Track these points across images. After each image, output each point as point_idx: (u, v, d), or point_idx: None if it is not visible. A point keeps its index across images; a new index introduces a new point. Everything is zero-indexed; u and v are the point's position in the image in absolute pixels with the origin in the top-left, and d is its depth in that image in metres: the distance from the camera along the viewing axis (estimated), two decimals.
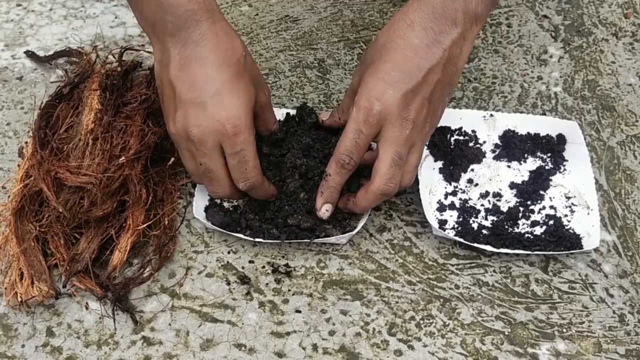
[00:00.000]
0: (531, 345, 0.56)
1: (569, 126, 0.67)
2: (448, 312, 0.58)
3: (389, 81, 0.54)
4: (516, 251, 0.59)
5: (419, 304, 0.58)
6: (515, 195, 0.65)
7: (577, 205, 0.63)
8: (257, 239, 0.60)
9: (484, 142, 0.68)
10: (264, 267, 0.60)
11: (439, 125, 0.68)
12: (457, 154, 0.67)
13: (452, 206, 0.64)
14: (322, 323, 0.57)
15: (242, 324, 0.57)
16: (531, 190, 0.65)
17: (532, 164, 0.67)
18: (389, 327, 0.57)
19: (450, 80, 0.56)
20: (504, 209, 0.64)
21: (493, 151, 0.68)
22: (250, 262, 0.61)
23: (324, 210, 0.58)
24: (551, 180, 0.65)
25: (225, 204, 0.62)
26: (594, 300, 0.59)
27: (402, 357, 0.55)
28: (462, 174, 0.66)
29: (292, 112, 0.68)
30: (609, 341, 0.56)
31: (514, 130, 0.69)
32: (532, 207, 0.64)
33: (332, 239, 0.60)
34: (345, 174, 0.57)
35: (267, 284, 0.59)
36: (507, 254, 0.61)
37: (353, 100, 0.57)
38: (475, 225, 0.62)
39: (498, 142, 0.68)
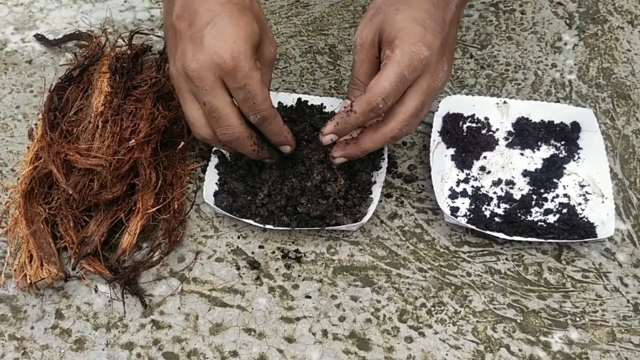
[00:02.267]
0: (543, 334, 0.55)
1: (583, 114, 0.66)
2: (459, 300, 0.57)
3: (429, 29, 0.53)
4: (529, 239, 0.59)
5: (430, 291, 0.58)
6: (528, 183, 0.64)
7: (591, 194, 0.62)
8: (267, 226, 0.59)
9: (497, 129, 0.67)
10: (273, 252, 0.60)
11: (451, 112, 0.67)
12: (469, 141, 0.66)
13: (464, 193, 0.63)
14: (332, 309, 0.57)
15: (252, 308, 0.56)
16: (545, 178, 0.64)
17: (545, 151, 0.66)
18: (399, 314, 0.56)
19: (456, 37, 0.56)
20: (517, 196, 0.63)
21: (506, 139, 0.67)
22: (260, 247, 0.60)
23: (328, 138, 0.56)
24: (565, 168, 0.65)
25: (236, 186, 0.62)
26: (608, 289, 0.58)
27: (413, 343, 0.55)
28: (475, 162, 0.65)
29: (304, 97, 0.67)
30: (622, 330, 0.56)
31: (528, 118, 0.68)
32: (545, 195, 0.63)
33: (342, 227, 0.59)
34: (371, 118, 0.55)
35: (277, 269, 0.59)
36: (519, 242, 0.60)
37: (373, 57, 0.54)
38: (487, 213, 0.62)
39: (511, 129, 0.67)
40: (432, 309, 0.57)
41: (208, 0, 0.52)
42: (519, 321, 0.56)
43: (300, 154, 0.62)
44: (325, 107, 0.67)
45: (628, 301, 0.57)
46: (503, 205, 0.62)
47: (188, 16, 0.52)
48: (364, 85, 0.55)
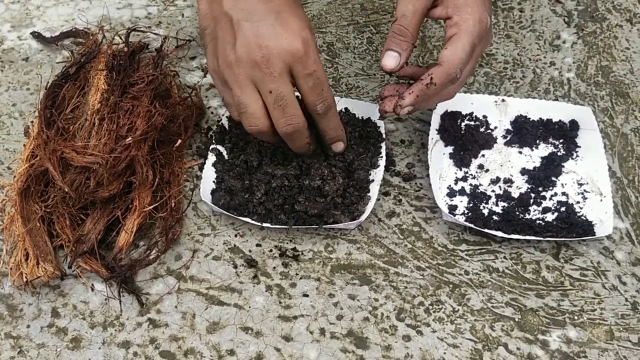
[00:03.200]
0: (542, 332, 0.55)
1: (582, 112, 0.66)
2: (457, 298, 0.57)
3: None
4: (527, 237, 0.58)
5: (428, 290, 0.57)
6: (526, 182, 0.64)
7: (589, 192, 0.62)
8: (264, 224, 0.59)
9: (495, 127, 0.67)
10: (271, 250, 0.60)
11: (449, 110, 0.67)
12: (467, 139, 0.66)
13: (462, 192, 0.63)
14: (330, 307, 0.56)
15: (249, 307, 0.56)
16: (543, 176, 0.64)
17: (544, 150, 0.66)
18: (397, 312, 0.56)
19: None
20: (515, 195, 0.63)
21: (504, 137, 0.67)
22: (258, 245, 0.60)
23: (406, 110, 0.56)
24: (563, 166, 0.64)
25: (234, 185, 0.61)
26: (606, 287, 0.58)
27: (411, 342, 0.55)
28: (473, 160, 0.65)
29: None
30: (621, 329, 0.55)
31: (526, 116, 0.67)
32: (543, 193, 0.63)
33: (340, 225, 0.59)
34: (450, 88, 0.56)
35: (274, 267, 0.59)
36: (517, 240, 0.60)
37: (426, 9, 0.55)
38: (485, 211, 0.61)
39: (509, 127, 0.67)
40: (430, 307, 0.57)
41: None
42: (517, 320, 0.56)
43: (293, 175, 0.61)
44: None
45: (626, 300, 0.57)
46: (501, 204, 0.62)
47: (244, 5, 0.53)
48: (412, 37, 0.56)
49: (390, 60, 0.56)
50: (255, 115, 0.54)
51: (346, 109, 0.67)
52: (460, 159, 0.65)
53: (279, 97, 0.52)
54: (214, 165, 0.63)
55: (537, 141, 0.66)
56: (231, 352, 0.54)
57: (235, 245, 0.60)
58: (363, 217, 0.59)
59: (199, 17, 0.56)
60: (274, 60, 0.51)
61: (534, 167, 0.65)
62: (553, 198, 0.62)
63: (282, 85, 0.52)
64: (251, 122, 0.55)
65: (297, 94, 0.55)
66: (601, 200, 0.61)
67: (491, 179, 0.64)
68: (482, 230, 0.59)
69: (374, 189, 0.61)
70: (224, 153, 0.64)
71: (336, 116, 0.57)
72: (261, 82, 0.53)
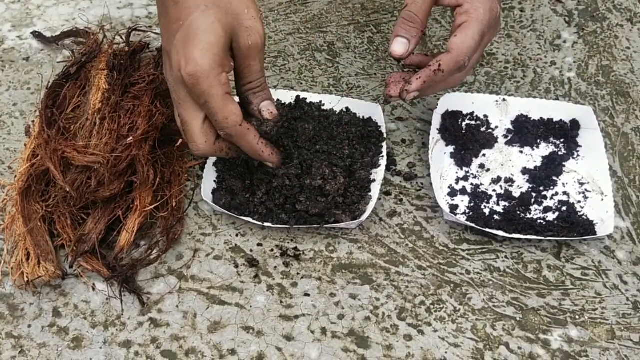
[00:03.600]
0: (543, 332, 0.55)
1: (582, 111, 0.66)
2: (459, 298, 0.57)
3: None
4: (528, 237, 0.58)
5: (429, 289, 0.57)
6: (527, 181, 0.64)
7: (590, 192, 0.62)
8: (265, 224, 0.59)
9: (496, 127, 0.67)
10: (272, 250, 0.60)
11: (450, 110, 0.67)
12: (468, 139, 0.66)
13: (463, 191, 0.63)
14: (331, 307, 0.56)
15: (250, 306, 0.56)
16: (544, 176, 0.64)
17: (545, 149, 0.66)
18: (398, 312, 0.56)
19: None
20: (516, 194, 0.63)
21: (505, 136, 0.67)
22: (259, 245, 0.60)
23: (412, 95, 0.56)
24: (564, 166, 0.64)
25: (235, 184, 0.61)
26: (608, 287, 0.58)
27: (412, 341, 0.55)
28: (474, 159, 0.65)
29: (302, 94, 0.67)
30: (622, 328, 0.55)
31: (527, 115, 0.67)
32: (544, 192, 0.63)
33: (341, 225, 0.59)
34: (457, 76, 0.57)
35: (275, 267, 0.59)
36: (519, 239, 0.60)
37: (429, 8, 0.56)
38: (486, 211, 0.61)
39: (510, 127, 0.67)
40: (432, 307, 0.57)
41: (178, 3, 0.51)
42: (518, 319, 0.56)
43: (300, 152, 0.61)
44: (324, 105, 0.67)
45: (627, 299, 0.57)
46: (502, 203, 0.62)
47: (163, 24, 0.53)
48: (421, 23, 0.55)
49: (399, 46, 0.55)
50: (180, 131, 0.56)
51: (347, 108, 0.67)
52: (461, 159, 0.65)
53: (183, 122, 0.53)
54: (215, 164, 0.63)
55: (538, 141, 0.66)
56: (232, 352, 0.54)
57: (236, 244, 0.60)
58: (364, 217, 0.59)
59: None
60: (177, 88, 0.52)
61: (535, 167, 0.65)
62: (554, 197, 0.62)
63: (184, 111, 0.52)
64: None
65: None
66: (602, 199, 0.61)
67: (492, 179, 0.64)
68: (483, 229, 0.59)
69: (375, 189, 0.61)
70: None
71: (245, 142, 0.54)
72: (176, 107, 0.54)
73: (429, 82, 0.55)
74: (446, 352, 0.54)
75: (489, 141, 0.66)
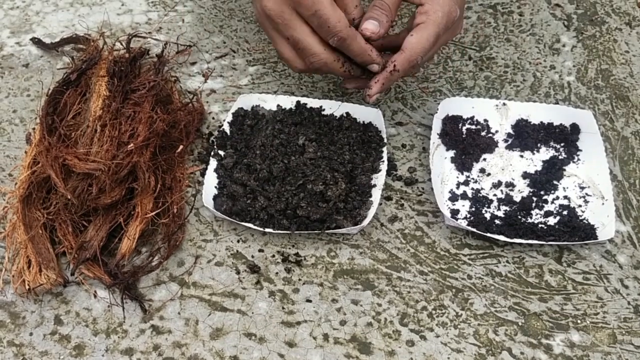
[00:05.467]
0: (545, 336, 0.55)
1: (582, 115, 0.66)
2: (460, 303, 0.57)
3: None
4: (530, 241, 0.59)
5: (431, 294, 0.57)
6: (528, 185, 0.64)
7: (591, 196, 0.62)
8: (266, 229, 0.59)
9: (497, 131, 0.67)
10: (273, 256, 0.60)
11: (450, 114, 0.67)
12: (469, 143, 0.66)
13: (464, 196, 0.63)
14: (333, 313, 0.56)
15: (252, 313, 0.56)
16: (544, 180, 0.64)
17: (545, 153, 0.66)
18: (400, 317, 0.56)
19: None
20: (517, 199, 0.63)
21: (505, 140, 0.67)
22: (260, 251, 0.60)
23: (375, 98, 0.60)
24: (565, 170, 0.65)
25: (236, 190, 0.61)
26: (609, 291, 0.58)
27: (415, 347, 0.55)
28: (474, 164, 0.65)
29: (302, 100, 0.67)
30: (624, 332, 0.55)
31: (527, 120, 0.68)
32: (545, 197, 0.63)
33: (342, 231, 0.59)
34: (410, 73, 0.62)
35: (277, 273, 0.59)
36: (520, 244, 0.60)
37: (398, 1, 0.59)
38: (487, 215, 0.61)
39: (511, 131, 0.67)
40: (433, 312, 0.57)
41: None
42: (520, 324, 0.56)
43: (301, 157, 0.61)
44: (324, 110, 0.67)
45: (629, 303, 0.57)
46: (503, 208, 0.62)
47: None
48: (391, 12, 0.59)
49: (370, 25, 0.58)
50: (290, 60, 0.59)
51: (347, 113, 0.67)
52: (462, 163, 0.65)
53: (295, 41, 0.57)
54: (215, 170, 0.63)
55: (539, 145, 0.66)
56: (235, 359, 0.54)
57: (237, 251, 0.60)
58: (365, 222, 0.59)
59: None
60: (280, 9, 0.55)
61: (536, 171, 0.65)
62: (555, 202, 0.62)
63: (294, 30, 0.56)
64: (291, 66, 0.60)
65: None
66: (603, 203, 0.61)
67: (493, 183, 0.64)
68: (485, 234, 0.59)
69: (376, 194, 0.61)
70: (224, 161, 0.63)
71: (356, 44, 0.57)
72: (282, 32, 0.57)
73: (387, 82, 0.60)
74: (448, 358, 0.54)
75: (490, 145, 0.66)
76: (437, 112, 0.66)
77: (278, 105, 0.67)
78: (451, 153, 0.66)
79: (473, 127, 0.67)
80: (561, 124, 0.67)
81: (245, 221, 0.60)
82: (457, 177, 0.64)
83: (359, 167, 0.62)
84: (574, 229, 0.60)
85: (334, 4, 0.55)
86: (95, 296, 0.57)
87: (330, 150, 0.62)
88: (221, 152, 0.64)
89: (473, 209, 0.62)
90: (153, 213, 0.59)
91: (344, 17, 0.56)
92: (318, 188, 0.59)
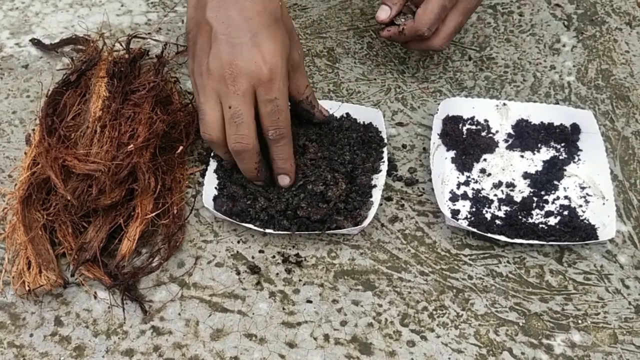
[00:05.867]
0: (546, 337, 0.55)
1: (583, 115, 0.66)
2: (461, 303, 0.57)
3: None
4: (530, 241, 0.58)
5: (432, 295, 0.57)
6: (528, 186, 0.64)
7: (592, 196, 0.62)
8: (267, 230, 0.59)
9: (497, 131, 0.67)
10: (274, 256, 0.59)
11: (450, 115, 0.67)
12: (469, 144, 0.66)
13: (464, 196, 0.63)
14: (334, 313, 0.56)
15: (253, 314, 0.56)
16: (545, 180, 0.64)
17: (545, 153, 0.66)
18: (401, 318, 0.56)
19: None
20: (518, 199, 0.63)
21: (506, 141, 0.67)
22: (260, 251, 0.60)
23: (384, 36, 0.67)
24: (565, 170, 0.64)
25: (236, 191, 0.61)
26: (610, 291, 0.58)
27: (415, 347, 0.54)
28: (475, 164, 0.65)
29: None
30: (624, 332, 0.55)
31: (527, 120, 0.68)
32: (546, 197, 0.63)
33: (343, 231, 0.59)
34: (420, 46, 0.66)
35: (277, 273, 0.58)
36: (521, 244, 0.60)
37: None
38: (488, 216, 0.61)
39: (511, 131, 0.67)
40: (434, 312, 0.56)
41: (244, 6, 0.54)
42: (521, 324, 0.56)
43: (301, 158, 0.61)
44: None
45: (630, 303, 0.57)
46: (504, 208, 0.62)
47: (225, 18, 0.54)
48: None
49: (383, 13, 0.66)
50: (210, 125, 0.56)
51: (347, 114, 0.67)
52: (462, 163, 0.65)
53: (236, 114, 0.54)
54: (215, 171, 0.63)
55: (539, 145, 0.66)
56: (235, 359, 0.54)
57: (238, 251, 0.60)
58: (366, 223, 0.59)
59: (186, 19, 0.58)
60: (240, 79, 0.53)
61: (536, 171, 0.65)
62: (555, 202, 0.62)
63: (242, 104, 0.54)
64: (206, 130, 0.57)
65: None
66: (603, 203, 0.61)
67: (493, 183, 0.64)
68: (485, 234, 0.59)
69: (377, 194, 0.61)
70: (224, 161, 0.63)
71: (288, 148, 0.58)
72: (224, 97, 0.54)
73: (395, 38, 0.66)
74: (449, 358, 0.54)
75: (490, 146, 0.66)
76: (437, 113, 0.66)
77: None
78: (451, 153, 0.66)
79: (473, 127, 0.67)
80: (561, 124, 0.67)
81: (245, 222, 0.59)
82: (458, 178, 0.64)
83: (359, 168, 0.62)
84: (574, 229, 0.60)
85: (287, 101, 0.56)
86: (95, 297, 0.57)
87: (331, 151, 0.62)
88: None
89: (474, 209, 0.62)
90: (153, 214, 0.59)
91: (290, 116, 0.56)
92: (318, 189, 0.59)
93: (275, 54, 0.54)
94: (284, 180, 0.60)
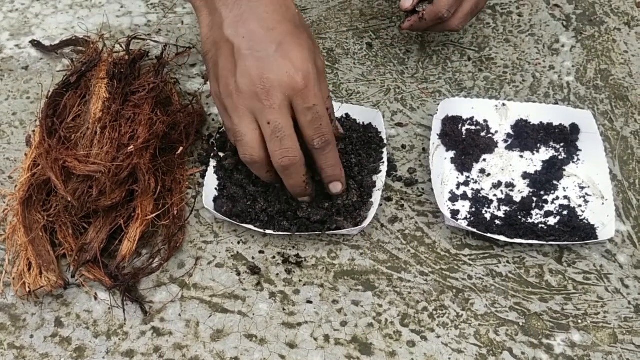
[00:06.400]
0: (546, 337, 0.55)
1: (582, 115, 0.67)
2: (461, 303, 0.57)
3: None
4: (530, 241, 0.59)
5: (432, 295, 0.57)
6: (528, 186, 0.64)
7: (591, 195, 0.62)
8: (267, 231, 0.59)
9: (496, 131, 0.67)
10: (274, 257, 0.60)
11: (450, 115, 0.67)
12: (469, 144, 0.66)
13: (464, 196, 0.63)
14: (334, 314, 0.56)
15: (253, 314, 0.56)
16: (544, 180, 0.64)
17: (545, 153, 0.66)
18: (401, 318, 0.56)
19: None
20: (517, 199, 0.63)
21: (505, 141, 0.67)
22: (261, 252, 0.60)
23: (405, 28, 0.69)
24: (565, 170, 0.65)
25: (236, 192, 0.61)
26: (609, 291, 0.58)
27: (415, 348, 0.55)
28: (474, 164, 0.65)
29: None
30: (624, 332, 0.55)
31: (527, 120, 0.68)
32: (545, 197, 0.63)
33: (343, 232, 0.59)
34: (438, 28, 0.68)
35: (277, 274, 0.59)
36: (520, 244, 0.60)
37: None
38: (488, 216, 0.62)
39: (510, 131, 0.67)
40: (434, 312, 0.57)
41: (263, 17, 0.52)
42: (521, 324, 0.56)
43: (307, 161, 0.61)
44: None
45: (629, 302, 0.57)
46: (503, 208, 0.62)
47: (245, 33, 0.52)
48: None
49: (407, 1, 0.67)
50: (250, 145, 0.53)
51: (347, 114, 0.67)
52: (462, 164, 0.65)
53: (277, 128, 0.52)
54: (215, 172, 0.63)
55: (538, 145, 0.66)
56: None
57: (238, 252, 0.60)
58: (366, 223, 0.59)
59: (201, 41, 0.56)
60: (274, 92, 0.51)
61: (536, 171, 0.65)
62: (555, 202, 0.62)
63: (281, 117, 0.52)
64: (246, 151, 0.54)
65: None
66: (603, 203, 0.61)
67: (493, 183, 0.64)
68: (485, 234, 0.59)
69: (376, 195, 0.61)
70: (225, 163, 0.63)
71: (335, 153, 0.56)
72: (260, 113, 0.52)
73: (416, 26, 0.68)
74: (449, 358, 0.54)
75: (489, 146, 0.66)
76: (436, 113, 0.67)
77: None
78: (451, 154, 0.66)
79: (473, 127, 0.67)
80: (561, 124, 0.67)
81: (245, 223, 0.60)
82: (457, 178, 0.64)
83: (365, 170, 0.62)
84: (574, 229, 0.60)
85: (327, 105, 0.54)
86: (95, 298, 0.57)
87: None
88: (221, 154, 0.64)
89: (473, 210, 0.62)
90: (153, 215, 0.59)
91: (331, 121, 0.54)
92: (316, 189, 0.59)
93: (305, 60, 0.52)
94: (337, 188, 0.58)
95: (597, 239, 0.59)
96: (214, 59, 0.54)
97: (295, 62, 0.52)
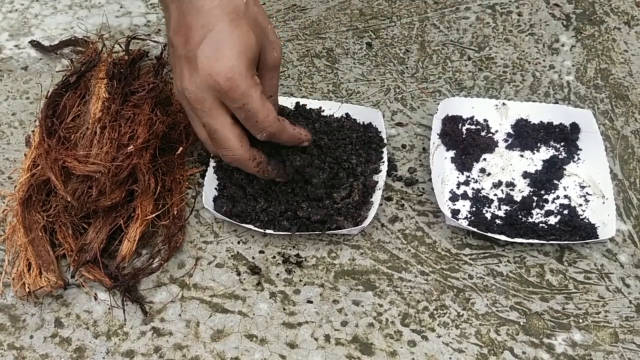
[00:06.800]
0: (547, 336, 0.55)
1: (582, 115, 0.66)
2: (462, 303, 0.57)
3: None
4: (530, 241, 0.58)
5: (432, 294, 0.57)
6: (528, 185, 0.64)
7: (591, 195, 0.62)
8: (267, 231, 0.59)
9: (496, 131, 0.67)
10: (274, 257, 0.59)
11: (450, 115, 0.67)
12: (469, 143, 0.66)
13: (464, 196, 0.63)
14: (334, 313, 0.56)
15: (253, 314, 0.56)
16: (545, 179, 0.64)
17: (545, 153, 0.66)
18: (402, 318, 0.56)
19: None
20: (518, 198, 0.63)
21: (505, 140, 0.67)
22: (261, 252, 0.60)
23: None
24: (565, 169, 0.64)
25: (236, 192, 0.61)
26: (610, 290, 0.58)
27: (416, 347, 0.54)
28: (475, 164, 0.65)
29: (302, 101, 0.67)
30: (625, 331, 0.55)
31: (527, 119, 0.68)
32: (546, 196, 0.63)
33: (343, 231, 0.59)
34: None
35: (277, 274, 0.58)
36: (521, 244, 0.60)
37: None
38: (488, 215, 0.61)
39: (510, 131, 0.67)
40: (435, 312, 0.56)
41: (201, 12, 0.50)
42: (522, 323, 0.56)
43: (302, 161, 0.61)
44: (323, 111, 0.67)
45: (630, 302, 0.57)
46: (504, 207, 0.62)
47: (183, 32, 0.51)
48: None
49: None
50: (206, 143, 0.55)
51: (347, 114, 0.67)
52: (462, 163, 0.65)
53: (211, 131, 0.52)
54: (215, 172, 0.63)
55: (539, 144, 0.66)
56: None
57: (238, 252, 0.60)
58: (366, 223, 0.59)
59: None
60: (202, 95, 0.51)
61: (536, 170, 0.65)
62: (555, 201, 0.62)
63: (212, 119, 0.52)
64: (208, 149, 0.56)
65: None
66: (603, 202, 0.61)
67: (493, 183, 0.64)
68: (485, 234, 0.59)
69: (377, 195, 0.61)
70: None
71: (285, 133, 0.55)
72: (199, 118, 0.53)
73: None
74: (450, 358, 0.54)
75: (490, 145, 0.66)
76: (436, 113, 0.66)
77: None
78: (451, 153, 0.66)
79: (473, 127, 0.67)
80: (561, 124, 0.67)
81: (245, 222, 0.59)
82: (458, 177, 0.64)
83: (367, 170, 0.62)
84: (574, 228, 0.60)
85: (263, 97, 0.52)
86: (95, 298, 0.57)
87: (335, 155, 0.62)
88: None
89: (473, 209, 0.62)
90: (153, 215, 0.59)
91: (273, 110, 0.53)
92: (340, 196, 0.59)
93: (231, 57, 0.50)
94: (305, 144, 0.58)
95: (597, 238, 0.59)
96: (172, 64, 0.55)
97: (220, 62, 0.50)
